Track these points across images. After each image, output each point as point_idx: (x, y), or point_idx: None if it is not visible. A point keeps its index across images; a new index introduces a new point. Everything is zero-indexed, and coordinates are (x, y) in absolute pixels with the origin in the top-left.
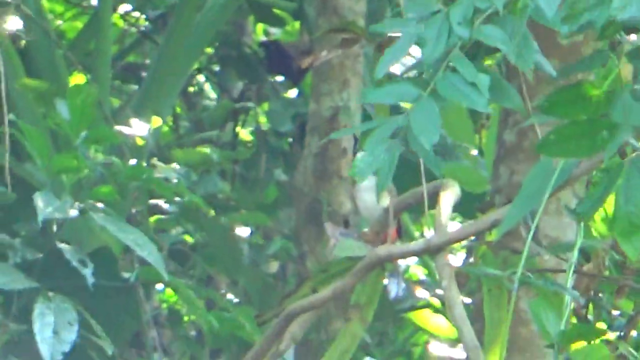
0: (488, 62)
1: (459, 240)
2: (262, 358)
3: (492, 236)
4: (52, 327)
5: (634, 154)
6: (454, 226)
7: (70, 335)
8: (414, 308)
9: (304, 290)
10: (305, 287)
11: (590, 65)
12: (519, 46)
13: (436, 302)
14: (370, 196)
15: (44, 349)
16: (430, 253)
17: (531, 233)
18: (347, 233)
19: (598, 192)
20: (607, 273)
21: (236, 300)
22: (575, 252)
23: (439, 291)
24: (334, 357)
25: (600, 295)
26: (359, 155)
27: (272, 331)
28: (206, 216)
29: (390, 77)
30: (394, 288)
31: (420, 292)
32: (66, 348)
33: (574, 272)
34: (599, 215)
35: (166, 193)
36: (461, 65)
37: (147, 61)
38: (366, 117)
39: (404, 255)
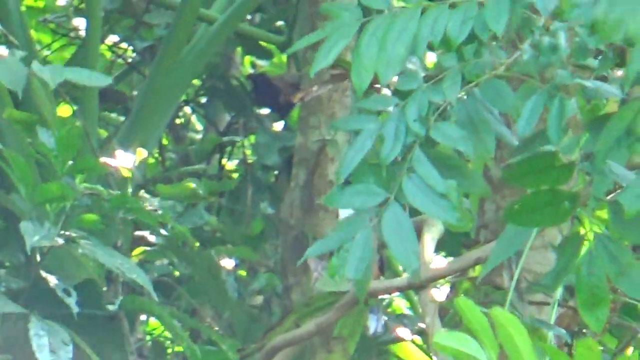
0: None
1: (442, 276)
2: None
3: (476, 272)
4: (48, 347)
5: (597, 231)
6: (437, 262)
7: (67, 354)
8: (396, 341)
9: (288, 324)
10: (288, 320)
11: (545, 141)
12: (478, 135)
13: (418, 340)
14: None
15: None
16: (415, 288)
17: (518, 270)
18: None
19: (562, 263)
20: None
21: (220, 332)
22: (559, 290)
23: (422, 325)
24: None
25: (584, 331)
26: (334, 255)
27: None
28: (192, 248)
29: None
30: (374, 324)
31: (401, 331)
32: None
33: (558, 306)
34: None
35: (151, 222)
36: (423, 170)
37: (135, 93)
38: None
39: (387, 291)
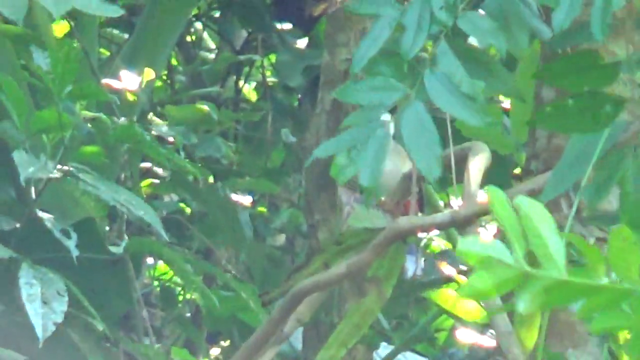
0: None
1: (488, 212)
2: (266, 342)
3: None
4: (39, 297)
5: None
6: (484, 195)
7: (61, 305)
8: (437, 285)
9: (315, 265)
10: (316, 261)
11: (588, 36)
12: (511, 29)
13: (463, 280)
14: (390, 162)
15: (35, 320)
16: (458, 226)
17: (574, 207)
18: (364, 200)
19: (602, 175)
20: None
21: (238, 277)
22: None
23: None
24: (343, 333)
25: None
26: (340, 153)
27: (278, 312)
28: (202, 183)
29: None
30: (412, 266)
31: (447, 269)
32: (59, 319)
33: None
34: None
35: (159, 157)
36: (450, 66)
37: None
38: None
39: (428, 228)
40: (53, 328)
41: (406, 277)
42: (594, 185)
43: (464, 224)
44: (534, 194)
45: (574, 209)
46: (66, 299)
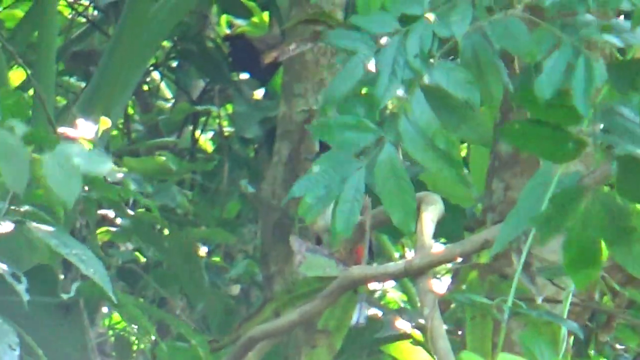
0: None
1: (443, 262)
2: None
3: (481, 258)
4: None
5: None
6: (437, 247)
7: None
8: (392, 339)
9: (266, 313)
10: (267, 309)
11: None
12: (485, 79)
13: (418, 334)
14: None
15: None
16: (411, 276)
17: (523, 255)
18: (316, 249)
19: (553, 212)
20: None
21: (192, 326)
22: (571, 284)
23: (421, 320)
24: None
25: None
26: (306, 192)
27: (230, 358)
28: (161, 230)
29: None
30: (356, 314)
31: (401, 324)
32: None
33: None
34: None
35: (114, 197)
36: (425, 117)
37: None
38: None
39: (380, 278)
40: None
41: (351, 326)
42: (543, 217)
43: (417, 274)
44: (487, 245)
45: (524, 254)
46: (17, 353)
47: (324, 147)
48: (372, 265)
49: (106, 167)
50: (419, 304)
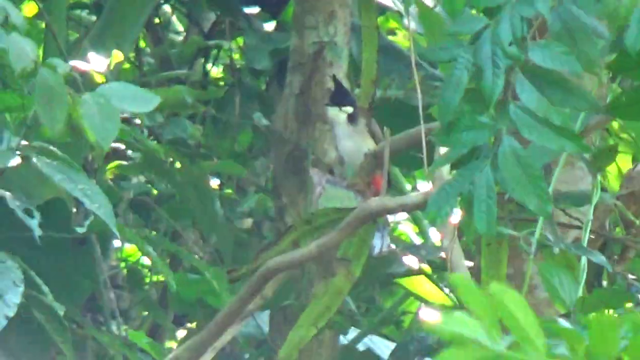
0: None
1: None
2: (234, 319)
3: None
4: None
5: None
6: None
7: (16, 297)
8: (404, 275)
9: (285, 244)
10: (285, 240)
11: None
12: (580, 48)
13: (427, 269)
14: (351, 142)
15: None
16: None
17: (551, 186)
18: (336, 181)
19: None
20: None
21: (205, 259)
22: (591, 211)
23: (439, 254)
24: (314, 314)
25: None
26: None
27: (246, 290)
28: (174, 164)
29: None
30: (378, 243)
31: (409, 260)
32: (11, 312)
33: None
34: (611, 171)
35: (124, 137)
36: (531, 98)
37: None
38: (352, 58)
39: (399, 209)
40: (4, 322)
41: (373, 254)
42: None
43: None
44: None
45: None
46: (21, 289)
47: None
48: (390, 198)
49: (153, 104)
50: (437, 240)
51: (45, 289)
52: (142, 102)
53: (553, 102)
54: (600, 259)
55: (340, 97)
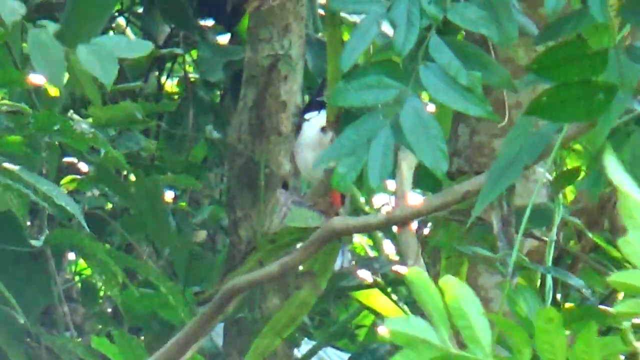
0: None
1: (424, 213)
2: (197, 338)
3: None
4: None
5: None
6: (416, 196)
7: None
8: (359, 287)
9: (250, 264)
10: (251, 260)
11: (576, 25)
12: (499, 20)
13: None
14: (313, 154)
15: None
16: (393, 227)
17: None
18: (301, 202)
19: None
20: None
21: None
22: (554, 230)
23: (393, 269)
24: (279, 324)
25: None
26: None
27: (211, 308)
28: (127, 176)
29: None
30: (339, 259)
31: (363, 273)
32: None
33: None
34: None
35: (81, 147)
36: (444, 59)
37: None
38: (307, 71)
39: (362, 229)
40: None
41: (334, 269)
42: (592, 177)
43: (400, 224)
44: (469, 195)
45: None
46: None
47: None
48: (354, 217)
49: (147, 49)
50: (391, 253)
51: (7, 294)
52: (134, 48)
53: (466, 67)
54: (578, 282)
55: (317, 106)
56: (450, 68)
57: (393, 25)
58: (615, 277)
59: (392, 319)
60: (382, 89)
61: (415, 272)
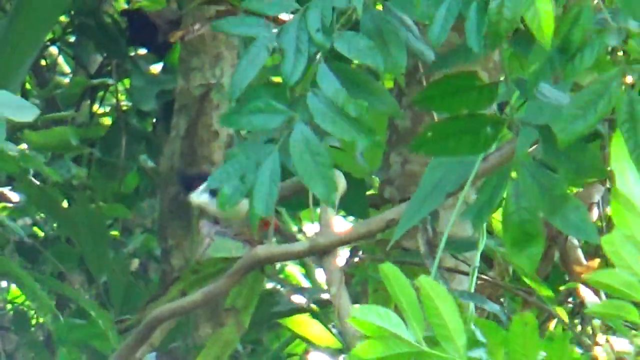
0: None
1: (348, 241)
2: None
3: (385, 234)
4: None
5: (521, 155)
6: (341, 223)
7: None
8: (289, 313)
9: (173, 293)
10: (173, 290)
11: (462, 56)
12: (387, 48)
13: (315, 308)
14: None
15: None
16: (316, 255)
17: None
18: (224, 232)
19: (484, 196)
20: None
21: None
22: (477, 257)
23: (324, 295)
24: None
25: (502, 301)
26: (225, 184)
27: (134, 338)
28: (61, 204)
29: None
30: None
31: (297, 298)
32: None
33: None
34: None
35: (13, 170)
36: (331, 88)
37: None
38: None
39: (285, 257)
40: None
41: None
42: (475, 207)
43: (323, 252)
44: (393, 223)
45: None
46: None
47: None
48: (276, 245)
49: (32, 115)
50: (323, 281)
51: None
52: (23, 111)
53: (354, 96)
54: (493, 307)
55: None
56: (337, 97)
57: (281, 52)
58: (595, 276)
59: (362, 307)
60: (271, 114)
61: (389, 266)
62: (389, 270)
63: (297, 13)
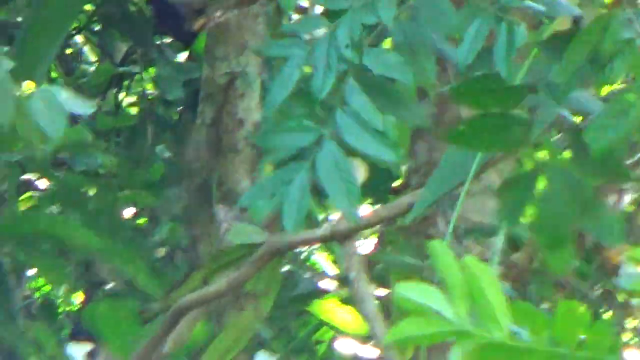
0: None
1: (369, 226)
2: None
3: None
4: None
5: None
6: (363, 209)
7: None
8: (312, 295)
9: (194, 282)
10: (195, 278)
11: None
12: (417, 61)
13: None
14: None
15: None
16: (336, 240)
17: (453, 219)
18: (242, 217)
19: (513, 201)
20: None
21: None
22: (499, 241)
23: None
24: (218, 350)
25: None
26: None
27: (159, 329)
28: (86, 195)
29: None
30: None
31: (324, 283)
32: None
33: (502, 262)
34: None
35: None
36: (359, 103)
37: (19, 19)
38: (264, 88)
39: (306, 243)
40: None
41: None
42: (505, 210)
43: (343, 238)
44: (411, 207)
45: (452, 225)
46: None
47: None
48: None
49: (90, 109)
50: (345, 265)
51: None
52: (80, 105)
53: (383, 110)
54: (505, 288)
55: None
56: (365, 113)
57: (313, 68)
58: (635, 252)
59: (405, 284)
60: (302, 133)
61: (438, 244)
62: (437, 247)
63: (328, 30)
